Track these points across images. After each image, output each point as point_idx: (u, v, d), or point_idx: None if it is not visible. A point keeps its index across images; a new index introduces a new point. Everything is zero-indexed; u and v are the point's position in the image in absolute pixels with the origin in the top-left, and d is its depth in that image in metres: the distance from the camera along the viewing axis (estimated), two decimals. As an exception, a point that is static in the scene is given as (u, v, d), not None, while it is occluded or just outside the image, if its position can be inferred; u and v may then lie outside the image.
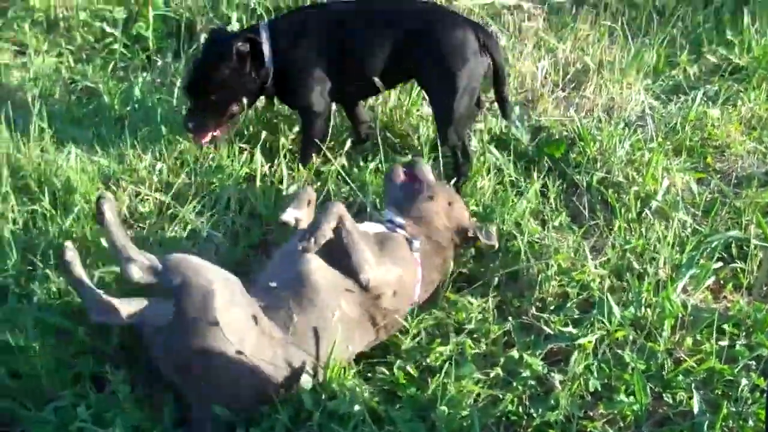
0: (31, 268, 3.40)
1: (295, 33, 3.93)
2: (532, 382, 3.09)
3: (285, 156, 3.98)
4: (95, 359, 3.10)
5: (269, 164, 3.99)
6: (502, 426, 2.97)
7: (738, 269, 3.59)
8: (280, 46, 3.90)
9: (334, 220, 3.07)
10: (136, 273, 2.86)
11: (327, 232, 3.06)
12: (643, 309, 3.33)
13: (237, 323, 2.85)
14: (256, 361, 2.87)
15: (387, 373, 3.12)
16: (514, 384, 3.07)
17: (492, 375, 3.12)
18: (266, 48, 3.87)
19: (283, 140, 4.08)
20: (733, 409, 2.96)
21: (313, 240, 3.04)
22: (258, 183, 3.89)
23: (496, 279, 3.48)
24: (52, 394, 3.00)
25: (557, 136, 4.23)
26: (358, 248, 3.12)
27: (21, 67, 4.81)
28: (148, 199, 3.80)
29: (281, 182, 3.90)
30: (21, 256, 3.42)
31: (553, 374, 3.11)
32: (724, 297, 3.52)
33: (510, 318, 3.33)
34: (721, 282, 3.57)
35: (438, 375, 3.04)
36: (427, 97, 4.12)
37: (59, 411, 2.93)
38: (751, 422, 2.87)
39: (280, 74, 3.91)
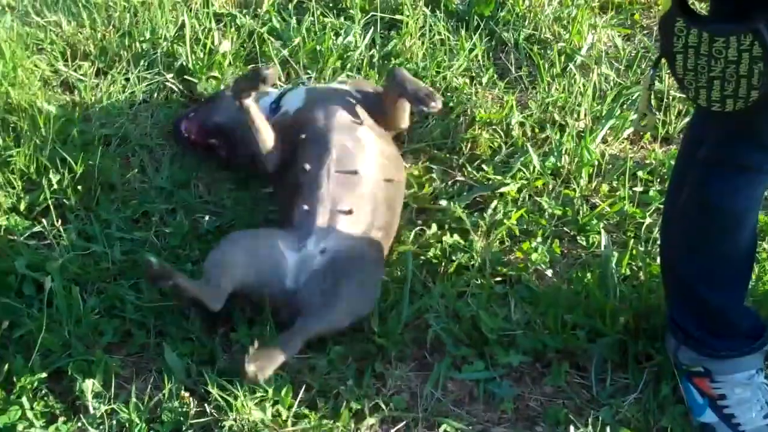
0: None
1: None
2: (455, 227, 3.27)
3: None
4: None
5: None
6: (425, 270, 3.14)
7: (656, 120, 3.70)
8: None
9: None
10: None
11: None
12: (563, 159, 3.48)
13: None
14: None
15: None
16: (439, 232, 3.24)
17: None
18: None
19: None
20: (641, 249, 3.14)
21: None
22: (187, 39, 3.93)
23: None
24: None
25: (487, -6, 4.30)
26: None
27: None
28: (82, 65, 3.86)
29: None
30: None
31: (474, 220, 3.27)
32: (642, 147, 3.65)
33: (434, 169, 3.49)
34: (640, 133, 3.70)
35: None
36: None
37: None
38: (658, 261, 3.03)
39: None
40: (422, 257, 3.16)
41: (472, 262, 3.12)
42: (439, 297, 3.01)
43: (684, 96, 2.22)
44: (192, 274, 2.99)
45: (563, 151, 3.49)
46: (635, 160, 3.52)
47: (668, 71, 2.14)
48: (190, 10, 4.11)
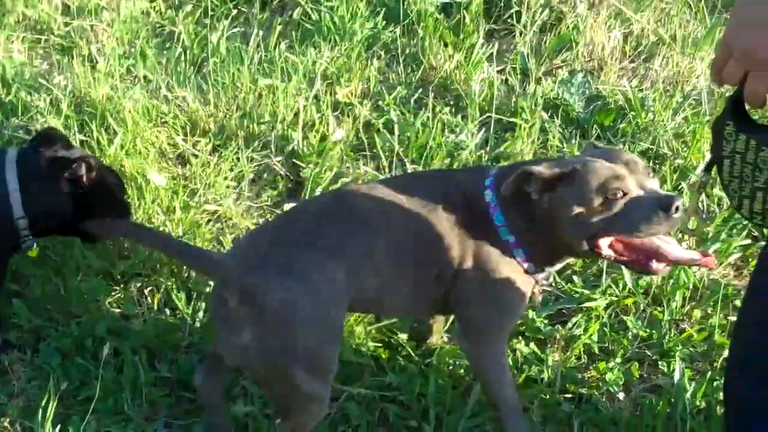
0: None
1: None
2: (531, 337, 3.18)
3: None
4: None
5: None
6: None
7: (707, 225, 3.48)
8: None
9: None
10: None
11: None
12: (657, 278, 3.35)
13: None
14: None
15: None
16: (514, 340, 3.16)
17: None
18: None
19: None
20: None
21: None
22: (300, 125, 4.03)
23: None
24: (77, 314, 3.25)
25: (612, 105, 4.22)
26: None
27: (112, 9, 5.01)
28: (199, 141, 4.00)
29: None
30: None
31: (555, 333, 3.18)
32: (746, 275, 3.47)
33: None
34: (748, 259, 3.52)
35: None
36: None
37: (80, 325, 3.17)
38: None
39: None
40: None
41: (542, 375, 3.03)
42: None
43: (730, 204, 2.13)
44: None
45: (660, 271, 3.36)
46: (736, 288, 3.35)
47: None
48: (315, 98, 4.21)
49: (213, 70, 4.34)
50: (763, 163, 1.87)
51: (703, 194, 2.35)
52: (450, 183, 2.68)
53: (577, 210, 2.43)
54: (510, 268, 2.59)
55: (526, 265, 2.59)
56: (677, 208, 2.36)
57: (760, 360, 2.35)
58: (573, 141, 3.98)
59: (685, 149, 3.96)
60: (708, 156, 2.09)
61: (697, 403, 2.88)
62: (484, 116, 4.11)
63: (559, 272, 3.42)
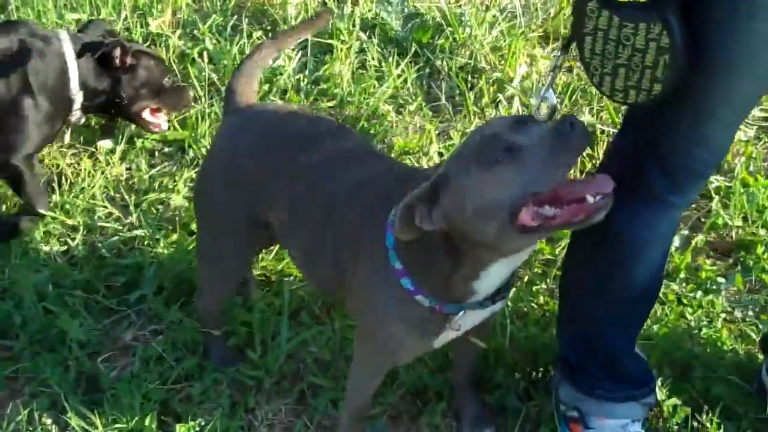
0: None
1: None
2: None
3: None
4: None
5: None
6: (320, 300, 3.06)
7: (585, 156, 3.57)
8: None
9: None
10: None
11: None
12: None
13: None
14: None
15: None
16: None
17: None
18: None
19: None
20: (544, 286, 3.05)
21: None
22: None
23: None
24: None
25: (430, 22, 4.22)
26: None
27: None
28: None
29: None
30: None
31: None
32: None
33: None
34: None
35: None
36: None
37: None
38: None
39: None
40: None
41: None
42: (331, 330, 2.92)
43: (590, 83, 2.13)
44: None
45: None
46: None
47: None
48: (126, 30, 4.07)
49: (17, 7, 4.16)
50: (626, 39, 1.88)
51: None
52: (399, 178, 2.19)
53: (478, 198, 1.85)
54: (395, 301, 2.12)
55: (419, 297, 2.07)
56: (572, 124, 1.82)
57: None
58: (391, 60, 3.95)
59: (502, 62, 3.99)
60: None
61: (518, 305, 2.94)
62: (302, 40, 4.04)
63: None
